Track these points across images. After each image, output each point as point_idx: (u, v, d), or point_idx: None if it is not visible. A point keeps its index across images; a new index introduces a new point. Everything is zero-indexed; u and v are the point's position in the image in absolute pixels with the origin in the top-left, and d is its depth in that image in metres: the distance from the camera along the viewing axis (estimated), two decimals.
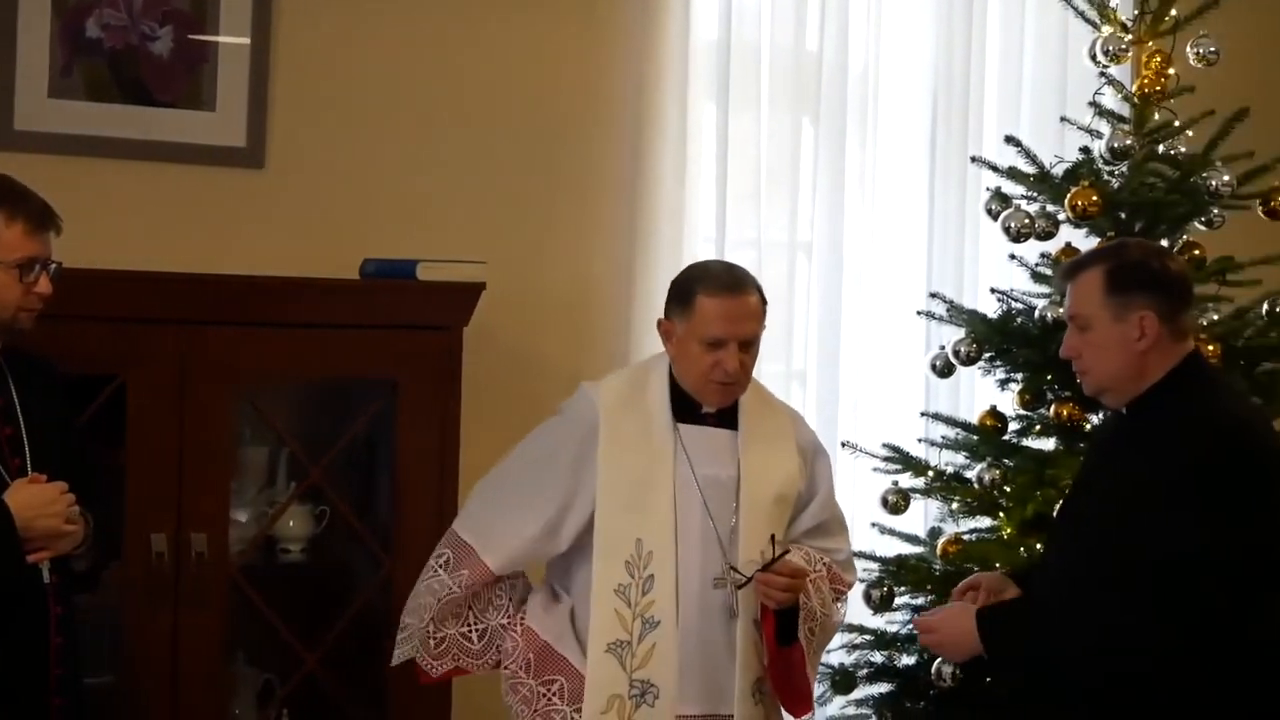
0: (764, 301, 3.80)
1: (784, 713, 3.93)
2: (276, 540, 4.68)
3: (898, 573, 4.78)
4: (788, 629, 3.76)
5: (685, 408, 3.83)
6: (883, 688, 4.80)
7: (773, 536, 3.74)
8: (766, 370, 4.71)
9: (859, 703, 4.85)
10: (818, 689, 4.73)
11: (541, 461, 3.84)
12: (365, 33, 4.98)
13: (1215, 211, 4.71)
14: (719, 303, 3.73)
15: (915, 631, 3.68)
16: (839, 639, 4.48)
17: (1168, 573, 3.32)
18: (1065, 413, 4.63)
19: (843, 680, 4.82)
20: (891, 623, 4.81)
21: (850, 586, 3.99)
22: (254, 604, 4.50)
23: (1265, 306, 4.68)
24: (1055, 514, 3.97)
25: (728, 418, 3.86)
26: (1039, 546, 4.47)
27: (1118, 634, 3.38)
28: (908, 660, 4.77)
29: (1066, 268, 3.70)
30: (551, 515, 3.78)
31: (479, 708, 4.70)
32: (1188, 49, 4.74)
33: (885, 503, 4.85)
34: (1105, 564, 3.43)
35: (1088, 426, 4.62)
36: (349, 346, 4.48)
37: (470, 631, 3.86)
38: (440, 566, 3.83)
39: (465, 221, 5.09)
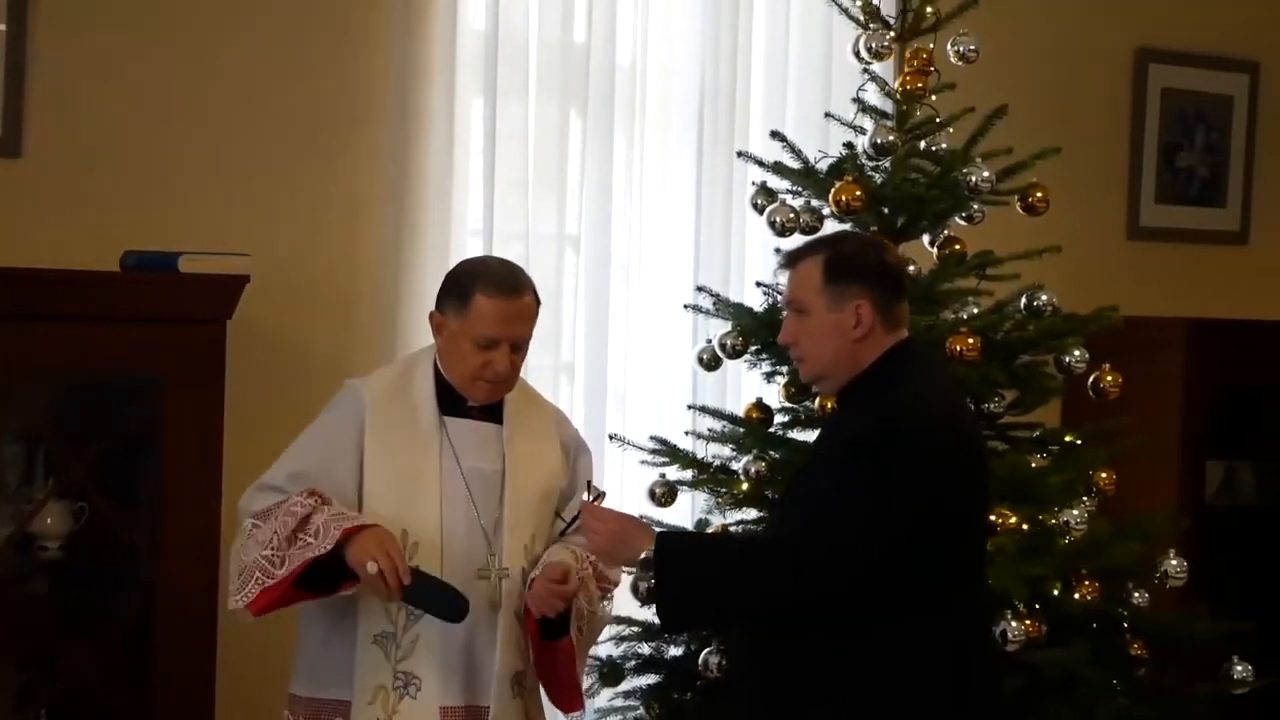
0: (538, 302, 3.82)
1: (547, 706, 3.95)
2: (34, 538, 4.56)
3: None
4: (552, 623, 3.77)
5: (451, 400, 3.83)
6: (650, 679, 4.82)
7: (589, 482, 3.79)
8: (534, 364, 4.69)
9: (627, 695, 4.86)
10: (585, 681, 4.74)
11: (321, 449, 3.79)
12: (126, 20, 4.88)
13: (975, 207, 4.80)
14: (497, 304, 3.73)
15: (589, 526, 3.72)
16: (607, 631, 4.49)
17: (830, 525, 3.48)
18: (830, 405, 4.68)
19: (610, 672, 4.83)
20: None
21: (615, 584, 4.02)
22: (10, 602, 4.39)
23: (1023, 300, 4.78)
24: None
25: (493, 411, 3.87)
26: None
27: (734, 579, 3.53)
28: (675, 652, 4.80)
29: (786, 257, 3.83)
30: (346, 495, 3.76)
31: (241, 703, 4.65)
32: (948, 47, 4.83)
33: (653, 495, 4.86)
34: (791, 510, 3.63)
35: None
36: (110, 340, 4.39)
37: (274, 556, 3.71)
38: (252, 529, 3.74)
39: (229, 213, 5.01)
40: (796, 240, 4.83)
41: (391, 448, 3.77)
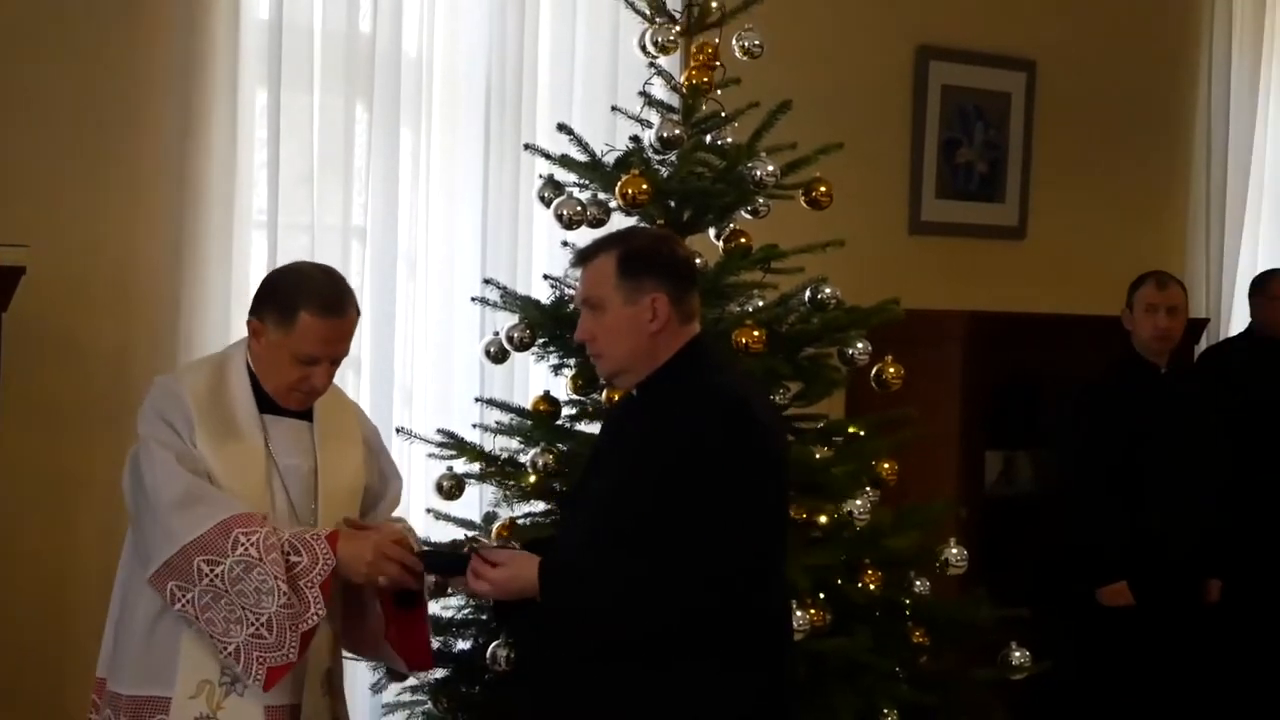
0: (359, 313, 3.83)
1: (345, 700, 3.97)
2: None
3: None
4: (408, 593, 3.83)
5: (264, 397, 3.81)
6: (438, 673, 4.79)
7: (471, 537, 3.93)
8: None
9: (414, 689, 4.83)
10: (373, 676, 4.72)
11: (181, 456, 3.69)
12: None
13: (760, 201, 4.83)
14: (322, 325, 3.73)
15: (476, 576, 3.70)
16: None
17: (684, 536, 3.50)
18: (617, 397, 4.69)
19: None
20: (447, 608, 4.81)
21: None
22: None
23: (808, 293, 4.82)
24: (569, 495, 4.02)
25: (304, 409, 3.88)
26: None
27: (643, 589, 3.53)
28: (463, 645, 4.78)
29: (579, 254, 3.84)
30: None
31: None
32: (733, 42, 4.86)
33: (440, 488, 4.84)
34: (625, 530, 3.57)
35: None
36: None
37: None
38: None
39: (6, 204, 4.89)
40: (584, 233, 4.84)
41: (217, 447, 3.72)
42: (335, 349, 3.77)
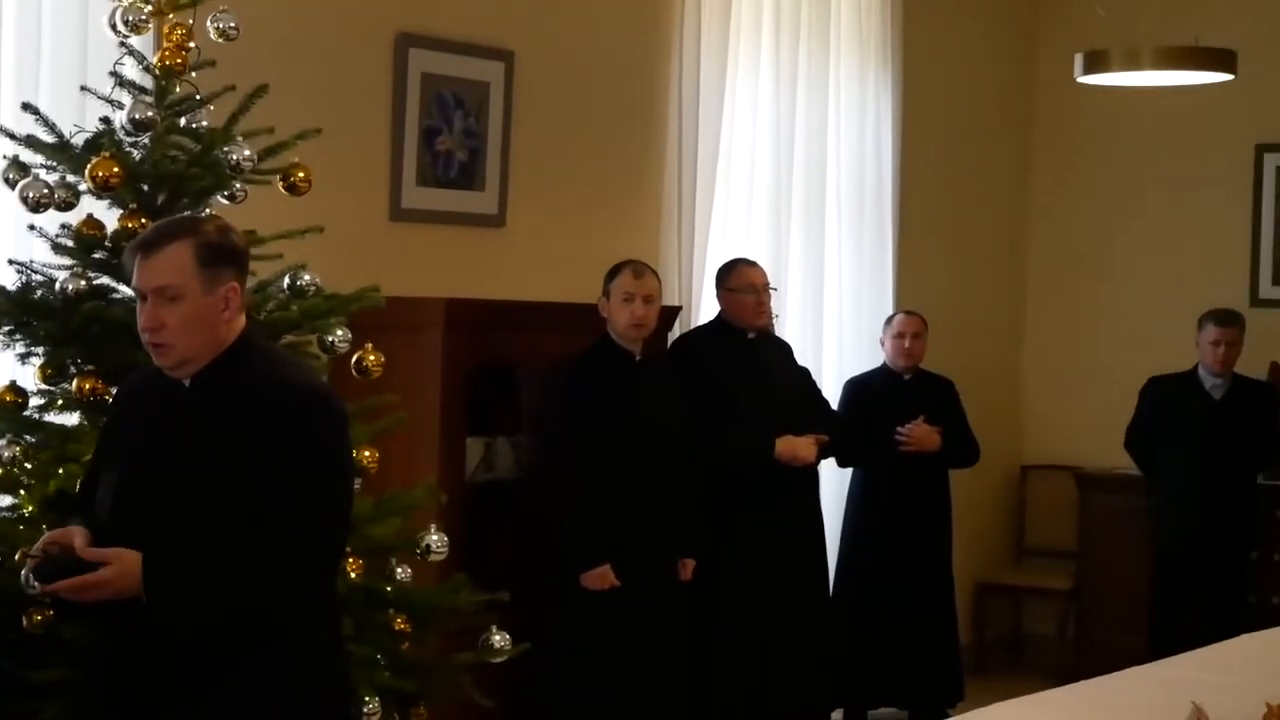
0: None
1: None
2: None
3: None
4: None
5: None
6: None
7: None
8: None
9: None
10: None
11: None
12: None
13: (238, 186, 4.77)
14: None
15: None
16: None
17: (291, 523, 3.61)
18: (88, 386, 4.56)
19: None
20: None
21: None
22: None
23: (287, 280, 4.79)
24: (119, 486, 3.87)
25: None
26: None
27: (255, 574, 3.62)
28: None
29: (144, 242, 3.77)
30: None
31: None
32: (208, 23, 4.77)
33: None
34: (225, 518, 3.61)
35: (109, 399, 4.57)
36: None
37: None
38: None
39: None
40: (53, 217, 4.70)
41: None
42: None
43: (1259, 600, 8.46)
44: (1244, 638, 5.58)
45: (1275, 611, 7.96)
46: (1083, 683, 4.55)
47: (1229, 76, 7.63)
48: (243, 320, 3.79)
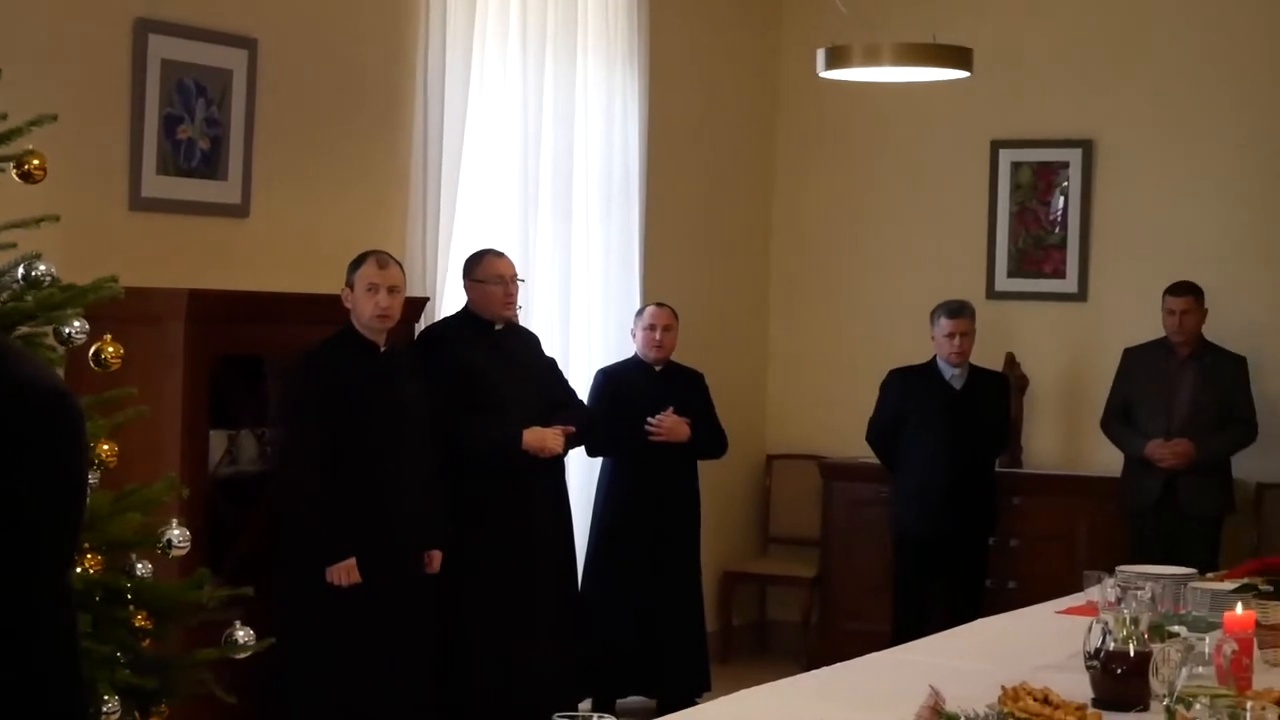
0: None
1: None
2: None
3: None
4: None
5: None
6: None
7: None
8: None
9: None
10: None
11: None
12: None
13: None
14: None
15: None
16: None
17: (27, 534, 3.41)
18: None
19: None
20: None
21: None
22: None
23: (21, 270, 4.68)
24: None
25: None
26: None
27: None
28: None
29: None
30: None
31: None
32: None
33: None
34: None
35: None
36: None
37: None
38: None
39: None
40: None
41: None
42: None
43: (995, 584, 8.70)
44: (981, 622, 5.71)
45: (1011, 596, 8.17)
46: (826, 668, 4.62)
47: (965, 74, 7.80)
48: None
